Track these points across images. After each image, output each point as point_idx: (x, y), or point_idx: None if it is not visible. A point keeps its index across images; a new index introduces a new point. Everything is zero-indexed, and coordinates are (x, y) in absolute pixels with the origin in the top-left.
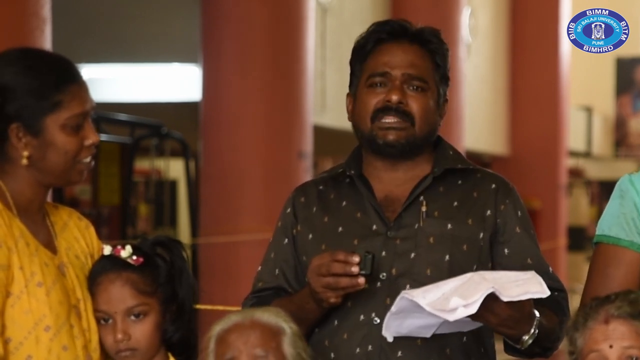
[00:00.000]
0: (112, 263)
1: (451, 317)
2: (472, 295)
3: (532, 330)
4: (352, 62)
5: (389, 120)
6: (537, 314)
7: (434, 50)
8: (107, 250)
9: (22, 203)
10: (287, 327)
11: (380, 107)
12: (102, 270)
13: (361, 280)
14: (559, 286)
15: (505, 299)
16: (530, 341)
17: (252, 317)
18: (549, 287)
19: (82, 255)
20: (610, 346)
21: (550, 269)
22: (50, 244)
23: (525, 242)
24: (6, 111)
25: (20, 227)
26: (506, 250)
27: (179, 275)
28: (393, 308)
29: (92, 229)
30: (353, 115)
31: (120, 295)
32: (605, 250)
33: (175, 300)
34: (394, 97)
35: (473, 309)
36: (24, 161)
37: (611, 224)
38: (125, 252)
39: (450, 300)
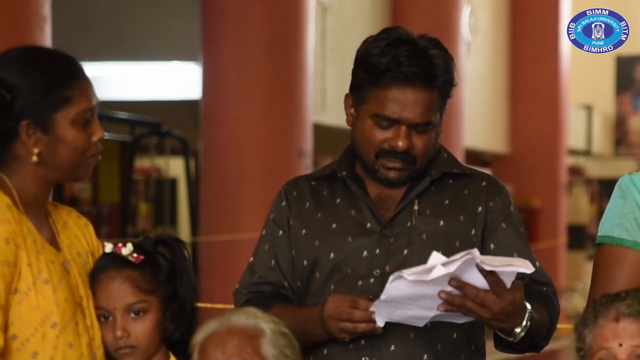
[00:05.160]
0: (113, 260)
1: (429, 277)
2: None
3: (524, 323)
4: (358, 73)
5: (393, 164)
6: (528, 306)
7: (442, 88)
8: (108, 248)
9: (27, 200)
10: (267, 327)
11: (386, 149)
12: (102, 268)
13: (379, 326)
14: (547, 281)
15: (487, 267)
16: (523, 334)
17: (229, 324)
18: (537, 282)
19: (84, 253)
20: (620, 344)
21: (538, 263)
22: (54, 242)
23: (511, 238)
24: (16, 109)
25: (28, 224)
26: (492, 245)
27: (180, 273)
28: (382, 296)
29: (90, 228)
30: (354, 130)
31: (119, 292)
32: (609, 251)
33: (176, 298)
34: (401, 145)
35: (452, 268)
36: (34, 158)
37: (614, 224)
38: (126, 249)
39: (429, 260)
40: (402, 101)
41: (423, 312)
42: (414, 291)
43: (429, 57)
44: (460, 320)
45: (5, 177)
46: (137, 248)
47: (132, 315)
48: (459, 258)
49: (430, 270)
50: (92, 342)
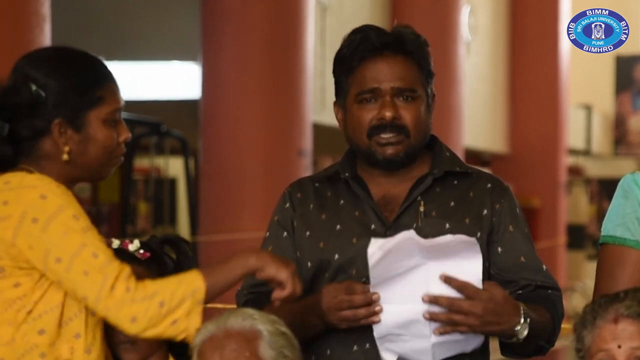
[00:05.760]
0: (120, 256)
1: (371, 262)
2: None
3: (522, 320)
4: (336, 73)
5: (386, 136)
6: (521, 305)
7: (416, 57)
8: (115, 244)
9: None
10: (264, 328)
11: (375, 124)
12: None
13: (378, 308)
14: (553, 284)
15: (426, 243)
16: (525, 332)
17: (226, 327)
18: (543, 286)
19: None
20: (619, 346)
21: (544, 267)
22: None
23: (518, 241)
24: (49, 107)
25: None
26: (499, 249)
27: None
28: (375, 333)
29: None
30: (346, 128)
31: None
32: (611, 251)
33: None
34: (388, 114)
35: (389, 244)
36: (65, 156)
37: (616, 224)
38: (133, 245)
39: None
40: (378, 70)
41: (420, 343)
42: (401, 318)
43: (397, 30)
44: (468, 347)
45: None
46: (143, 246)
47: None
48: (396, 239)
49: (371, 256)
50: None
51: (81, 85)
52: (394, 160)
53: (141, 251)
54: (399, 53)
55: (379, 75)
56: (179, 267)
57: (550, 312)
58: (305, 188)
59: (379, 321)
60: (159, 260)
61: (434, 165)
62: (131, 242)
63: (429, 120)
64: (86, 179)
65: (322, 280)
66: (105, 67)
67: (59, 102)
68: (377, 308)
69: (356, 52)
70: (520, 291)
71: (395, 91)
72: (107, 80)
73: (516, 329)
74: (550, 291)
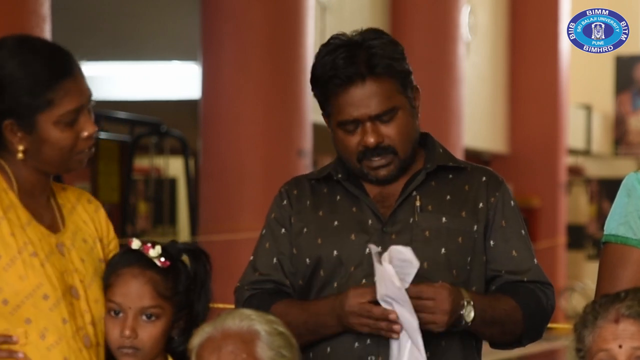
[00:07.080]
0: (138, 258)
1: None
2: None
3: (465, 302)
4: (313, 90)
5: (375, 160)
6: (461, 289)
7: (388, 72)
8: (135, 244)
9: (26, 187)
10: (262, 328)
11: (362, 150)
12: (126, 263)
13: (397, 327)
14: (542, 279)
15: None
16: (471, 314)
17: (223, 328)
18: (531, 281)
19: (90, 239)
20: (620, 346)
21: (535, 260)
22: (53, 225)
23: (510, 235)
24: (0, 107)
25: (14, 200)
26: (492, 242)
27: (200, 287)
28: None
29: (101, 212)
30: (335, 145)
31: (140, 292)
32: (614, 250)
33: (188, 310)
34: (370, 140)
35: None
36: (20, 155)
37: (619, 223)
38: (154, 251)
39: None
40: (354, 101)
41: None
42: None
43: (365, 50)
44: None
45: (5, 163)
46: (163, 252)
47: (144, 318)
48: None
49: None
50: (86, 326)
51: (31, 87)
52: (387, 180)
53: (162, 259)
54: (368, 76)
55: (355, 107)
56: (195, 279)
57: (519, 299)
58: (301, 185)
59: (397, 338)
60: (175, 268)
61: (427, 161)
62: (153, 246)
63: (415, 124)
64: (54, 172)
65: (320, 277)
66: (64, 63)
67: (9, 104)
68: (395, 327)
69: (328, 84)
70: (493, 287)
71: (374, 117)
72: (61, 80)
73: (461, 312)
74: (530, 284)
